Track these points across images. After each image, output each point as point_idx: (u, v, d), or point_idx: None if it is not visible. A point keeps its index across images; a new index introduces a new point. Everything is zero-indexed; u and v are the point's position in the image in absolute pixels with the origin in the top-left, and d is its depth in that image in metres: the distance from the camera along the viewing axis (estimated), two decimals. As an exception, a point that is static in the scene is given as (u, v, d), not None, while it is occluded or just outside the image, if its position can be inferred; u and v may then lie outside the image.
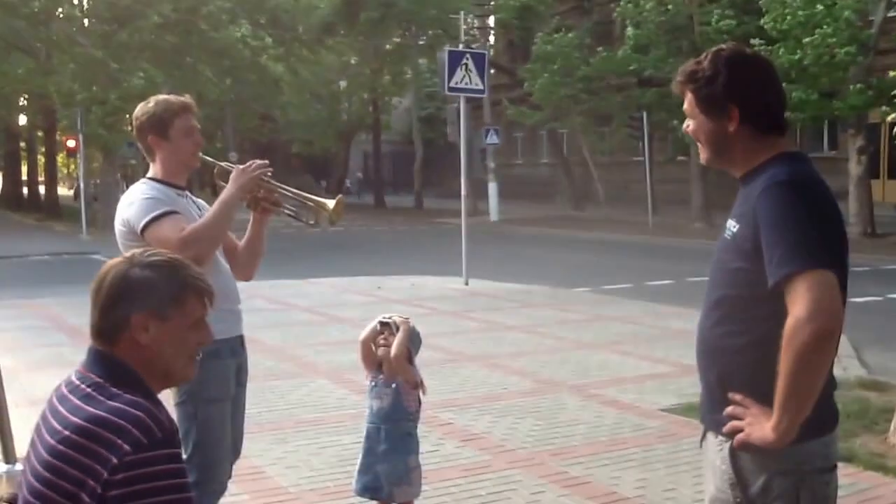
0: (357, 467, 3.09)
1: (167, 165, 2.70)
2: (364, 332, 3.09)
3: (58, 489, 1.42)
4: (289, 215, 2.93)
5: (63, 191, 40.06)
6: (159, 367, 1.55)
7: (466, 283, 10.46)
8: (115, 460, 1.38)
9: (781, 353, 1.64)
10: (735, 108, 1.79)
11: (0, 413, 3.79)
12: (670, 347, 6.82)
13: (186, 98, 2.74)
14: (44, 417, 1.55)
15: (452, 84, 10.29)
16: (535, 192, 30.48)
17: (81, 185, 22.35)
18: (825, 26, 14.10)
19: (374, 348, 3.08)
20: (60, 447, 1.44)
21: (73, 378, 1.56)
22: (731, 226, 1.81)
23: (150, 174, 2.74)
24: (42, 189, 32.93)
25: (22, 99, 24.16)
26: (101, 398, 1.47)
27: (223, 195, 2.67)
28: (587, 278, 11.37)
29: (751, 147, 1.81)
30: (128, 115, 24.47)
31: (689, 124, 1.89)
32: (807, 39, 14.11)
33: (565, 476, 4.00)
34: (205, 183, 21.29)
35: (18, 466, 3.67)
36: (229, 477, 2.79)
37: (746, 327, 1.77)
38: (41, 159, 36.12)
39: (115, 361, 1.52)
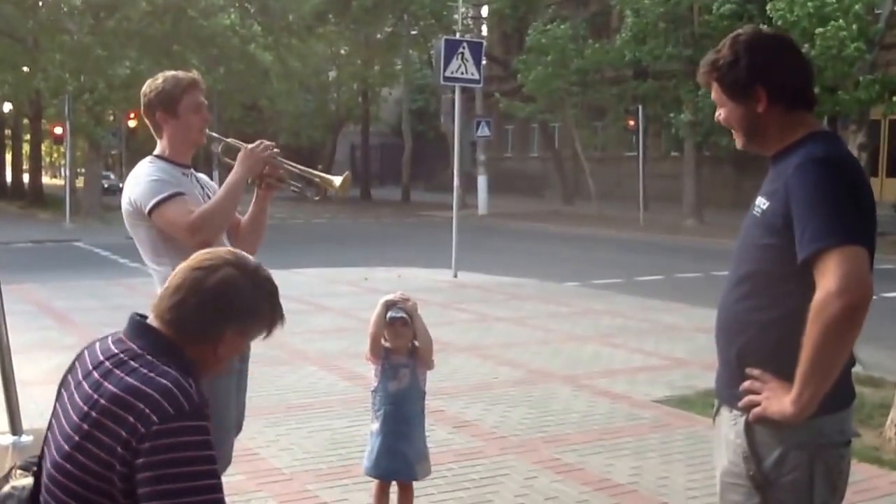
0: (374, 451, 3.08)
1: (174, 142, 2.68)
2: (373, 327, 3.07)
3: (89, 454, 1.43)
4: (294, 191, 2.91)
5: (47, 179, 39.61)
6: (213, 371, 1.60)
7: (455, 276, 10.44)
8: (142, 429, 1.40)
9: (808, 326, 1.64)
10: (761, 88, 1.79)
11: (8, 387, 3.80)
12: (661, 341, 6.83)
13: (194, 74, 2.72)
14: (77, 383, 1.56)
15: (448, 73, 10.18)
16: (525, 186, 30.48)
17: (67, 174, 22.09)
18: (836, 20, 14.11)
19: (384, 340, 3.09)
20: (93, 413, 1.46)
21: (111, 345, 1.57)
22: (761, 203, 1.80)
23: (156, 152, 2.72)
24: (26, 177, 32.55)
25: (7, 86, 23.80)
26: (136, 366, 1.49)
27: (230, 178, 2.66)
28: (576, 273, 11.38)
29: (782, 125, 1.82)
30: (113, 105, 24.15)
31: (720, 113, 1.89)
32: (818, 30, 14.12)
33: (558, 463, 4.00)
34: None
35: (25, 438, 3.68)
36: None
37: (771, 303, 1.77)
38: (26, 147, 35.65)
39: (160, 337, 1.53)
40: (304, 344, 6.61)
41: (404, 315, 3.06)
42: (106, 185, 29.45)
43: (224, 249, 1.62)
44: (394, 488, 3.19)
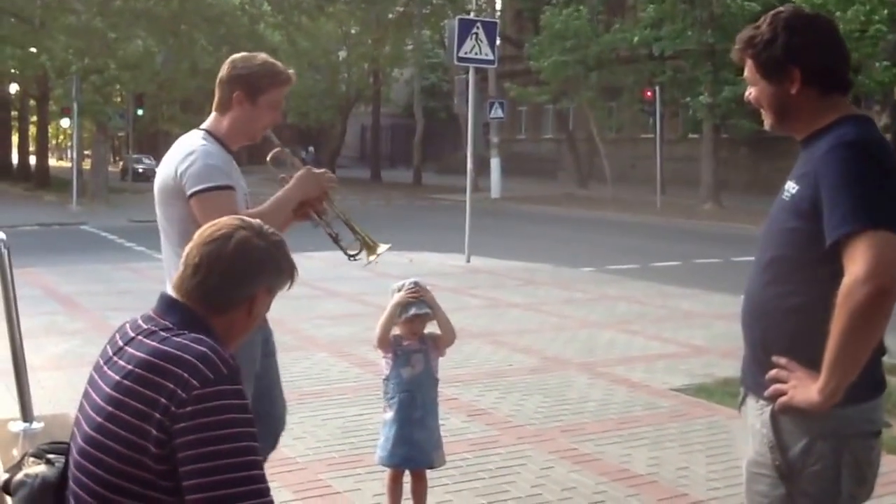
0: (388, 440, 3.01)
1: (235, 127, 2.50)
2: (381, 330, 2.98)
3: (122, 423, 1.44)
4: (329, 234, 2.67)
5: (53, 161, 39.64)
6: (246, 334, 1.63)
7: (468, 260, 10.33)
8: (182, 394, 1.41)
9: (836, 312, 1.61)
10: (796, 69, 1.76)
11: (19, 373, 3.74)
12: (679, 328, 6.71)
13: (292, 72, 2.55)
14: (107, 360, 1.57)
15: (461, 54, 10.02)
16: (538, 168, 30.22)
17: (74, 156, 22.06)
18: (862, 3, 13.91)
19: (396, 329, 3.02)
20: (126, 382, 1.47)
21: (141, 322, 1.58)
22: (790, 187, 1.78)
23: (209, 126, 2.52)
24: (32, 159, 32.58)
25: (13, 66, 23.80)
26: (168, 335, 1.51)
27: (284, 193, 2.49)
28: (591, 258, 11.25)
29: (814, 109, 1.79)
30: (122, 85, 23.94)
31: (751, 91, 1.85)
32: (838, 14, 13.94)
33: (575, 452, 3.93)
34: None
35: (35, 425, 3.63)
36: (272, 446, 2.75)
37: (798, 289, 1.74)
38: (32, 129, 35.68)
39: (190, 312, 1.55)
40: (315, 330, 6.55)
41: (428, 311, 2.99)
42: (141, 170, 28.98)
43: (225, 218, 1.62)
44: (407, 478, 3.12)
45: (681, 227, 16.42)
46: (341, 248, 2.68)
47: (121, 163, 32.54)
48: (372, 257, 2.62)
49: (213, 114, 2.53)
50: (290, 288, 1.65)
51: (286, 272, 1.62)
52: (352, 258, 2.68)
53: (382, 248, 2.63)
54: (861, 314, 1.58)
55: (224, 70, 2.48)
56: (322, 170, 2.59)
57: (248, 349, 2.50)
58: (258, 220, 1.65)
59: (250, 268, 1.55)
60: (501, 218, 17.65)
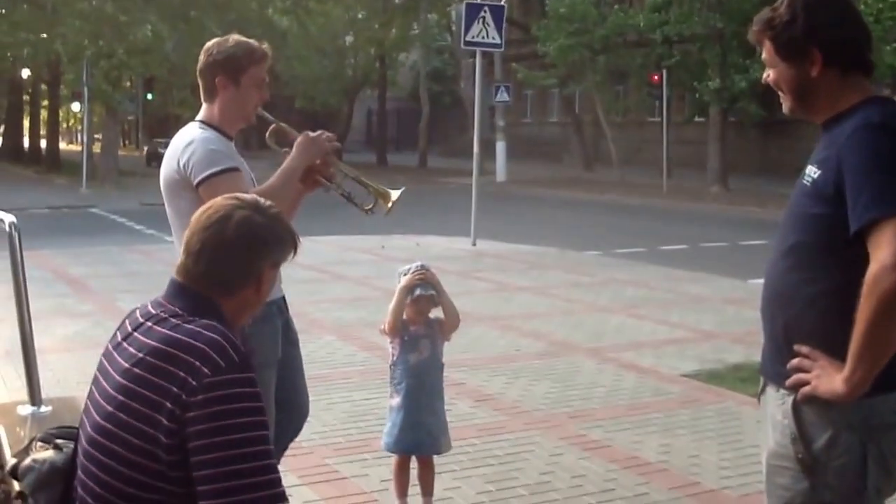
0: (396, 426, 3.00)
1: (226, 113, 2.48)
2: (392, 316, 2.97)
3: (133, 412, 1.42)
4: (342, 195, 2.63)
5: (63, 144, 39.74)
6: (256, 309, 1.61)
7: (474, 244, 10.29)
8: (193, 382, 1.38)
9: (861, 301, 1.57)
10: (817, 50, 1.72)
11: (28, 356, 3.74)
12: (687, 313, 6.65)
13: (266, 47, 2.51)
14: (116, 345, 1.54)
15: (469, 38, 9.97)
16: (544, 152, 30.05)
17: (84, 139, 22.11)
18: None
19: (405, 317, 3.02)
20: (136, 370, 1.44)
21: (151, 307, 1.56)
22: (812, 171, 1.73)
23: (203, 117, 2.50)
24: (43, 142, 32.65)
25: (26, 51, 23.73)
26: (178, 322, 1.48)
27: (288, 164, 2.45)
28: (598, 241, 11.20)
29: (836, 90, 1.74)
30: (131, 70, 23.85)
31: (769, 73, 1.81)
32: None
33: (585, 439, 3.90)
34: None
35: (44, 409, 3.64)
36: (295, 433, 2.80)
37: (820, 276, 1.70)
38: (43, 113, 35.73)
39: (198, 296, 1.52)
40: (322, 313, 6.53)
41: (434, 292, 2.98)
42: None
43: (219, 199, 1.58)
44: (413, 464, 3.10)
45: (687, 210, 16.32)
46: (356, 205, 2.66)
47: (145, 147, 32.32)
48: (388, 205, 2.59)
49: (204, 104, 2.52)
50: (293, 258, 1.63)
51: (289, 243, 1.59)
52: (368, 212, 2.66)
53: (395, 193, 2.58)
54: (888, 302, 1.53)
55: (201, 59, 2.47)
56: (318, 131, 2.55)
57: (271, 336, 2.49)
58: (253, 196, 1.62)
59: (254, 246, 1.53)
60: (507, 201, 17.57)
